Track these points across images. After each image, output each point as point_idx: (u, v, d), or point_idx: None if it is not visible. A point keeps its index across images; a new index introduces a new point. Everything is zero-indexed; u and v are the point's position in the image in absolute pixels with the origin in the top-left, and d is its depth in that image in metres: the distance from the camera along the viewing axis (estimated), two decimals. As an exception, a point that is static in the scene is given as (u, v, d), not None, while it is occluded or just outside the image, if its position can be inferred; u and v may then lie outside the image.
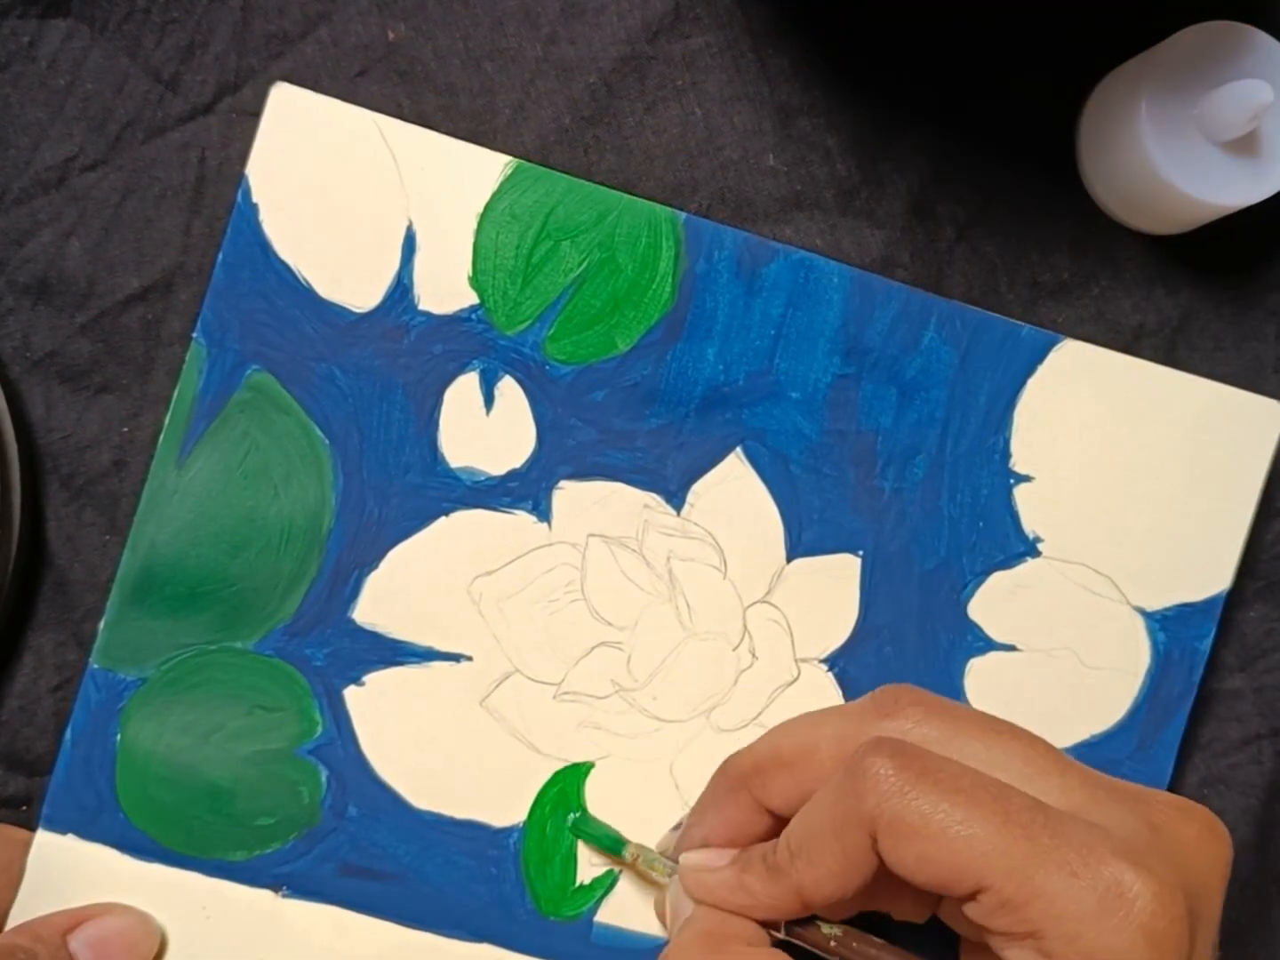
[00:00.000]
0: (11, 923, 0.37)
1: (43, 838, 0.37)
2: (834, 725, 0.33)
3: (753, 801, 0.34)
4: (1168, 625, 0.40)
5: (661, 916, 0.38)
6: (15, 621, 0.38)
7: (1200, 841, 0.31)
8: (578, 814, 0.39)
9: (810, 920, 0.33)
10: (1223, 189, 0.38)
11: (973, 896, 0.29)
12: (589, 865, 0.39)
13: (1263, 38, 0.38)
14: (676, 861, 0.36)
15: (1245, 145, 0.38)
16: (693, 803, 0.39)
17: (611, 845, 0.38)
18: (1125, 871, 0.28)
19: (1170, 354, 0.41)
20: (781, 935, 0.33)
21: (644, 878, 0.38)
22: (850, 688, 0.39)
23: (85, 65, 0.38)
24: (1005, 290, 0.41)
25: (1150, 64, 0.38)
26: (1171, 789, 0.40)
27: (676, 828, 0.37)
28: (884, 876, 0.31)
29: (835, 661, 0.39)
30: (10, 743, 0.38)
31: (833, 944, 0.32)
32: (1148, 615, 0.40)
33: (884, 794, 0.29)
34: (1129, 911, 0.27)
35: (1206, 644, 0.40)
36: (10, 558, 0.37)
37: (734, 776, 0.35)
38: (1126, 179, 0.39)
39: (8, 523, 0.37)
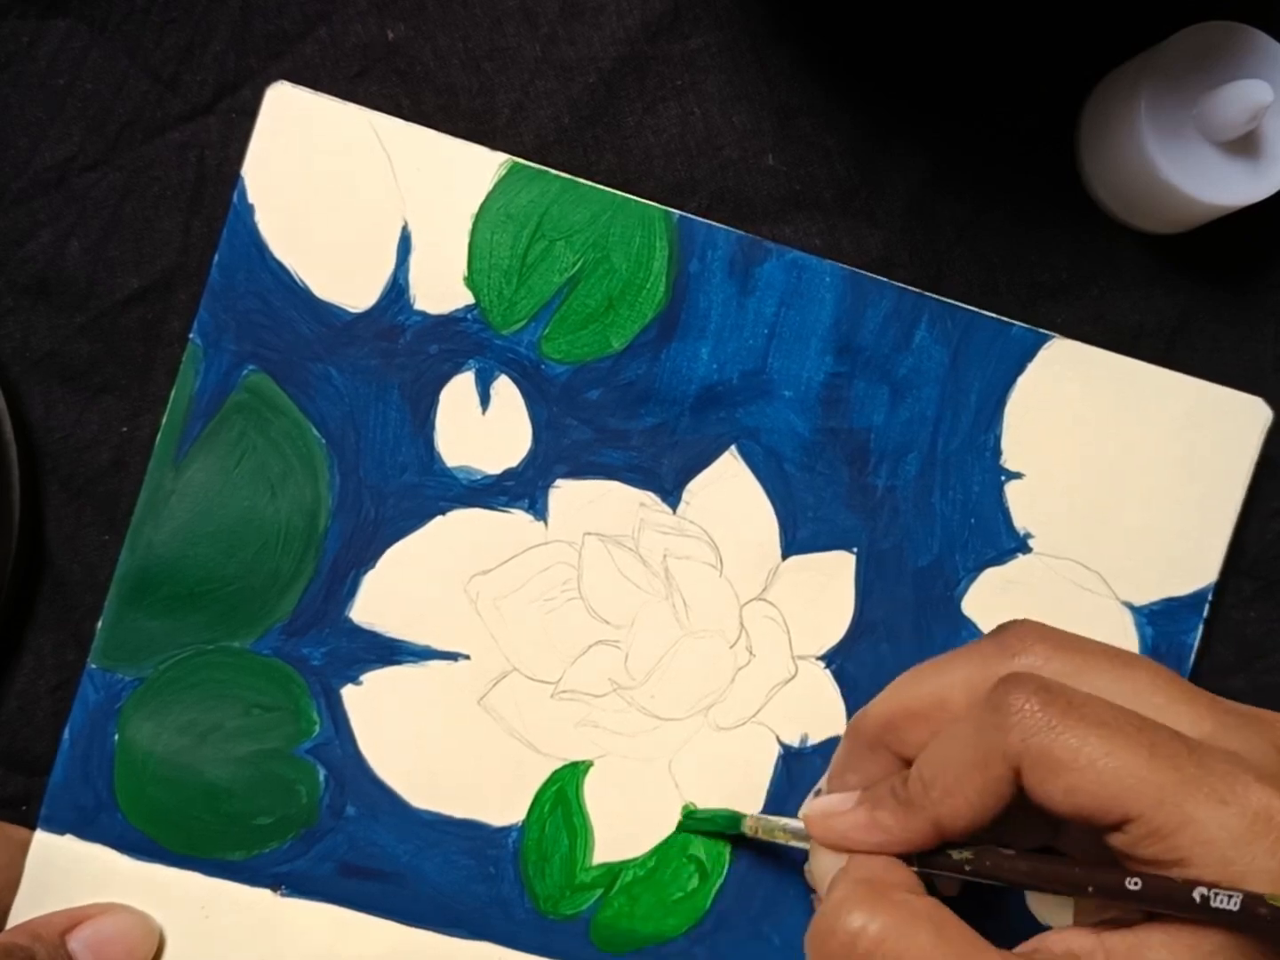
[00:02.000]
0: (11, 923, 0.37)
1: (41, 838, 0.37)
2: (962, 670, 0.33)
3: (891, 757, 0.34)
4: (1155, 620, 0.41)
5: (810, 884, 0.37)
6: (15, 621, 0.38)
7: None
8: (685, 812, 0.39)
9: (939, 851, 0.32)
10: (1222, 189, 0.38)
11: (1119, 826, 0.29)
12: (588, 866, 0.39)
13: (1262, 38, 0.38)
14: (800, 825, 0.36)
15: (1245, 145, 0.38)
16: (691, 799, 0.39)
17: (728, 824, 0.38)
18: (1272, 797, 0.28)
19: (1169, 354, 0.41)
20: (915, 869, 0.32)
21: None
22: (848, 685, 0.40)
23: (85, 65, 0.38)
24: (1004, 290, 0.41)
25: (1150, 64, 0.38)
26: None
27: (817, 793, 0.37)
28: (1014, 807, 0.31)
29: (832, 658, 0.40)
30: (10, 742, 0.38)
31: (967, 868, 0.32)
32: (1136, 610, 0.41)
33: (1030, 728, 0.29)
34: (1279, 835, 0.28)
35: (1194, 638, 0.41)
36: (10, 558, 0.37)
37: (869, 735, 0.34)
38: (1126, 179, 0.40)
39: (8, 523, 0.37)
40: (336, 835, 0.38)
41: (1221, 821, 0.28)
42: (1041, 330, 0.40)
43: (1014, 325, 0.40)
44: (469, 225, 0.39)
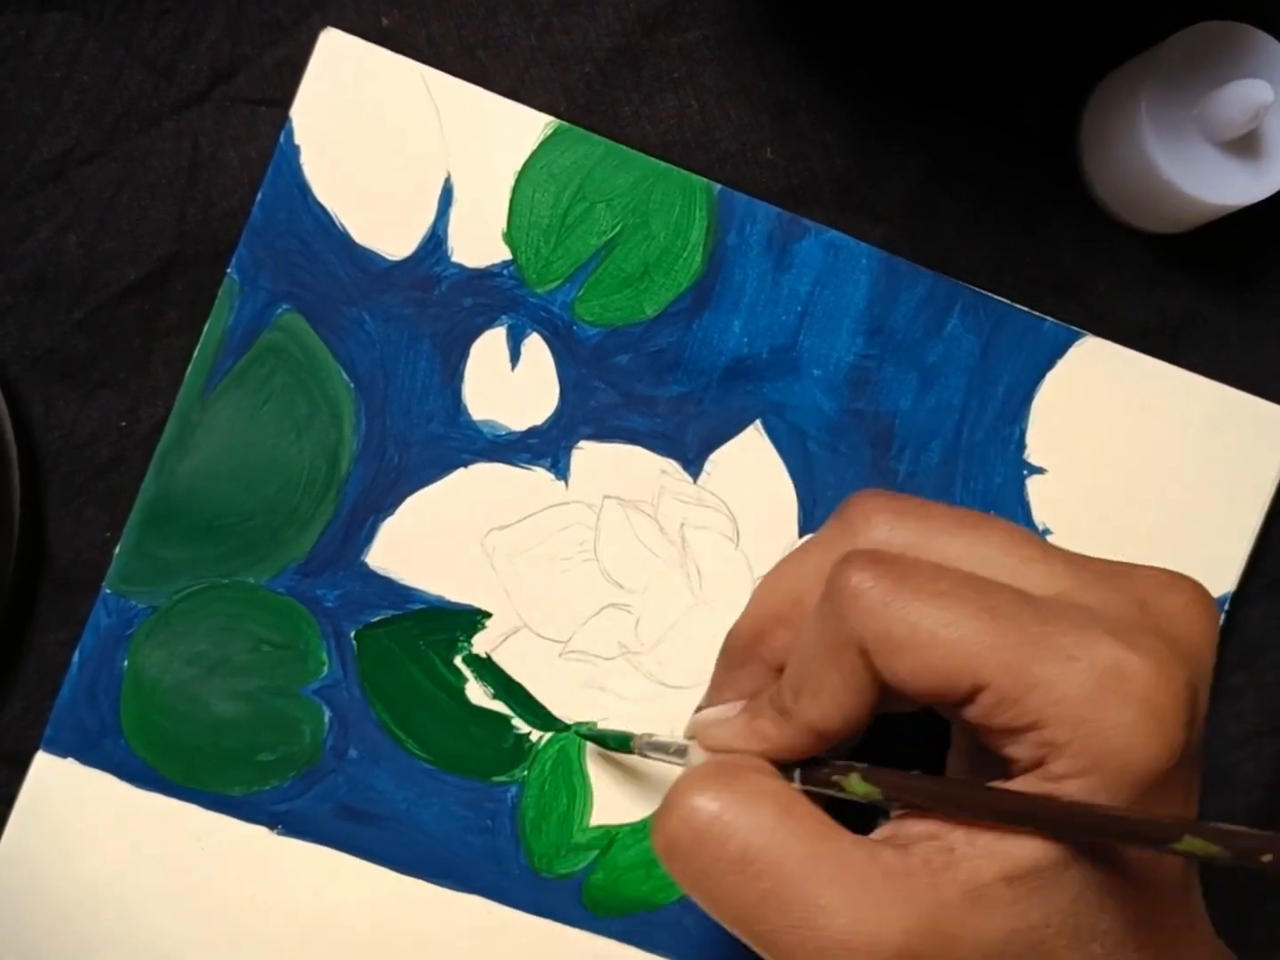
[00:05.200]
0: (4, 845, 0.37)
1: (42, 759, 0.37)
2: (813, 560, 0.31)
3: (765, 668, 0.32)
4: (1171, 625, 0.41)
5: None
6: (15, 621, 0.38)
7: (1189, 612, 0.30)
8: (577, 729, 0.39)
9: (821, 763, 0.31)
10: (1223, 188, 0.38)
11: (970, 699, 0.28)
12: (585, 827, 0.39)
13: (1263, 38, 0.38)
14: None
15: (1246, 145, 0.38)
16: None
17: (620, 743, 0.37)
18: (1121, 650, 0.27)
19: (1173, 353, 0.41)
20: (797, 785, 0.31)
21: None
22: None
23: (81, 57, 0.38)
24: (1006, 289, 0.41)
25: (1150, 64, 0.38)
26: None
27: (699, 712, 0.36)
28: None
29: (841, 637, 0.40)
30: (14, 743, 0.38)
31: (855, 790, 0.30)
32: (1151, 614, 0.41)
33: (865, 610, 0.28)
34: (1130, 689, 0.27)
35: (1208, 645, 0.41)
36: (10, 558, 0.37)
37: (739, 649, 0.33)
38: (1127, 178, 0.40)
39: (8, 523, 0.37)
40: (337, 777, 0.38)
41: (1070, 679, 0.27)
42: (1074, 328, 0.40)
43: (1046, 320, 0.40)
44: (511, 182, 0.39)
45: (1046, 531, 0.40)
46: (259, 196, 0.38)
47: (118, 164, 0.39)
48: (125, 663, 0.37)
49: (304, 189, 0.38)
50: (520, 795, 0.39)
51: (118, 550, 0.37)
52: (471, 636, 0.39)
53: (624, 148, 0.39)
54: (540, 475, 0.39)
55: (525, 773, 0.39)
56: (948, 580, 0.28)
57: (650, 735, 0.36)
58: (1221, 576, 0.41)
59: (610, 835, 0.39)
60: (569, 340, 0.39)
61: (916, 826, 0.29)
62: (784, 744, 0.30)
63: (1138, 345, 0.41)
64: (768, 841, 0.28)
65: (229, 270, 0.38)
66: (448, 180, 0.39)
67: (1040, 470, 0.40)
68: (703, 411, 0.39)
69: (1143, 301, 0.42)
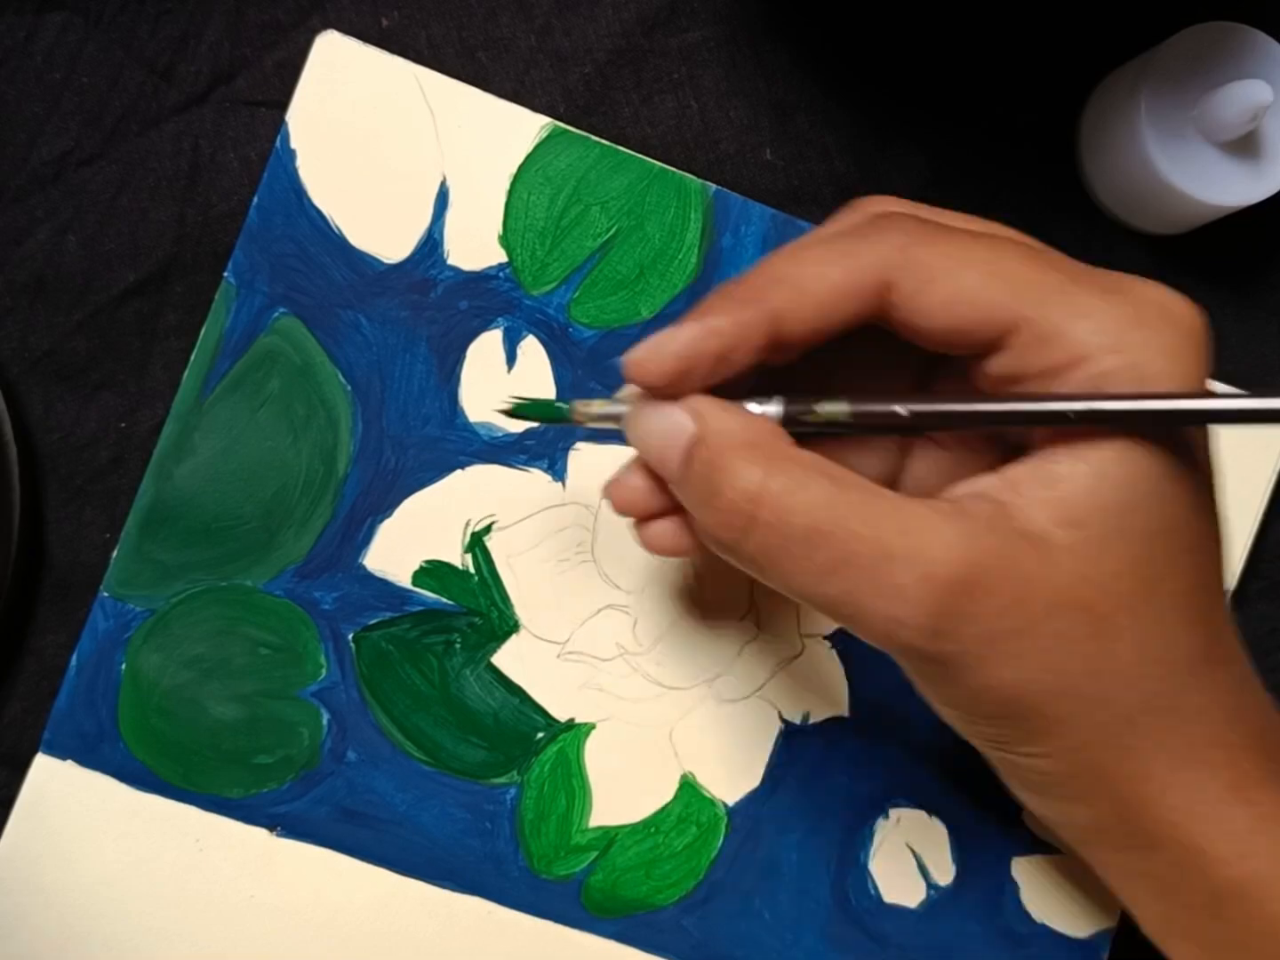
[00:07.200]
0: (4, 847, 0.37)
1: (41, 762, 0.37)
2: (834, 229, 0.30)
3: (763, 317, 0.29)
4: (1169, 624, 0.40)
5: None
6: (15, 623, 0.38)
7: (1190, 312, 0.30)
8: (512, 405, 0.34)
9: (806, 411, 0.30)
10: (1222, 189, 0.38)
11: (1001, 341, 0.28)
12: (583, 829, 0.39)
13: (1262, 38, 0.38)
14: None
15: (1245, 145, 0.38)
16: (690, 768, 0.39)
17: (554, 411, 0.33)
18: (1156, 288, 0.28)
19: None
20: (777, 413, 0.30)
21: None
22: (852, 664, 0.40)
23: (80, 58, 0.39)
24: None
25: (1150, 64, 0.38)
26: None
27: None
28: (866, 363, 0.30)
29: (838, 638, 0.40)
30: (13, 744, 0.38)
31: (836, 418, 0.29)
32: (1149, 613, 0.40)
33: (908, 238, 0.28)
34: (1173, 317, 0.27)
35: (1206, 644, 0.40)
36: (10, 560, 0.37)
37: (741, 288, 0.30)
38: (1126, 179, 0.40)
39: (8, 525, 0.37)
40: (336, 779, 0.38)
41: (1116, 308, 0.27)
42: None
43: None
44: (507, 185, 0.39)
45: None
46: (255, 200, 0.38)
47: (117, 166, 0.39)
48: (123, 666, 0.37)
49: (300, 192, 0.38)
50: (519, 797, 0.39)
51: (115, 554, 0.37)
52: (470, 638, 0.39)
53: (619, 150, 0.39)
54: (537, 476, 0.39)
55: (524, 774, 0.39)
56: (988, 232, 0.28)
57: (588, 403, 0.32)
58: (1219, 575, 0.40)
59: (609, 836, 0.39)
60: (565, 342, 0.39)
61: (959, 490, 0.29)
62: (734, 331, 0.29)
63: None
64: (833, 509, 0.28)
65: (225, 274, 0.38)
66: (443, 183, 0.39)
67: (1037, 470, 0.40)
68: (699, 413, 0.39)
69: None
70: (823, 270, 0.28)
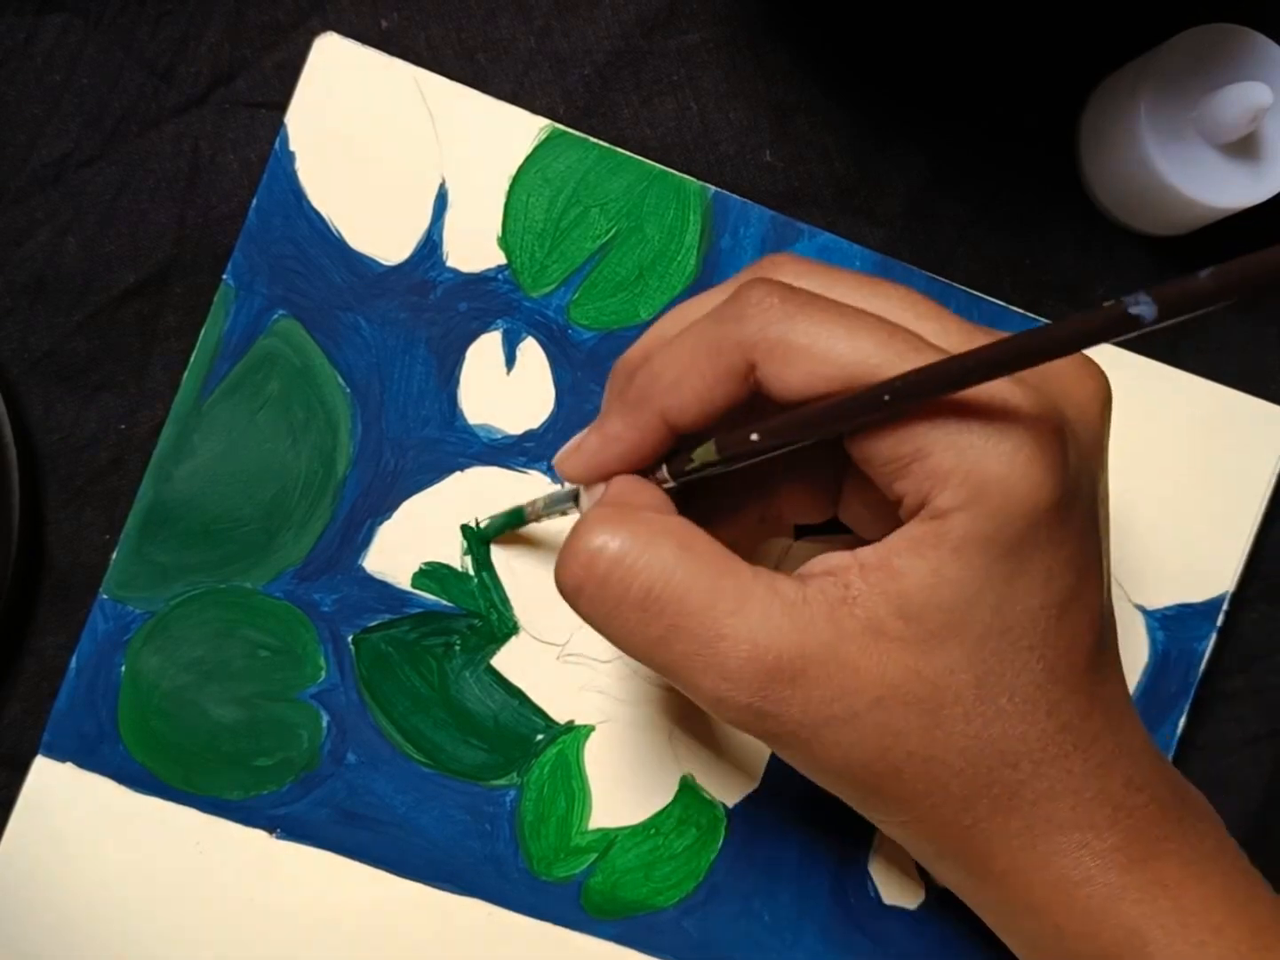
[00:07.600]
0: (3, 848, 0.37)
1: (41, 764, 0.37)
2: (716, 297, 0.31)
3: (654, 417, 0.31)
4: (1167, 624, 0.41)
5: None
6: (15, 624, 0.38)
7: (1077, 375, 0.31)
8: (468, 532, 0.39)
9: (680, 456, 0.31)
10: (1222, 191, 0.38)
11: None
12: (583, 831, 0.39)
13: (1262, 40, 0.38)
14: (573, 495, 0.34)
15: (1245, 147, 0.38)
16: (690, 770, 0.39)
17: (514, 517, 0.38)
18: (1004, 385, 0.27)
19: (1173, 355, 0.41)
20: (672, 483, 0.31)
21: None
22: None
23: (80, 59, 0.39)
24: (1007, 291, 0.41)
25: (1150, 66, 0.38)
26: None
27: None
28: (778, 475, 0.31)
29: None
30: (13, 745, 0.38)
31: (708, 458, 0.30)
32: (1148, 613, 0.41)
33: (769, 318, 0.28)
34: (1012, 419, 0.27)
35: (1205, 645, 0.41)
36: (10, 560, 0.37)
37: (625, 374, 0.32)
38: (1126, 181, 0.40)
39: (8, 525, 0.37)
40: (335, 781, 0.38)
41: (955, 407, 0.27)
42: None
43: (1038, 321, 0.40)
44: (506, 186, 0.39)
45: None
46: (254, 202, 0.38)
47: (117, 167, 0.39)
48: (123, 668, 0.37)
49: (299, 194, 0.38)
50: (519, 799, 0.39)
51: (114, 556, 0.37)
52: (469, 640, 0.39)
53: (618, 151, 0.39)
54: (537, 479, 0.39)
55: (524, 776, 0.39)
56: (850, 309, 0.29)
57: (535, 500, 0.37)
58: (1218, 579, 0.40)
59: (609, 838, 0.39)
60: (564, 344, 0.39)
61: (815, 566, 0.29)
62: (633, 435, 0.31)
63: (1137, 346, 0.41)
64: (669, 580, 0.28)
65: (224, 276, 0.38)
66: (442, 185, 0.39)
67: (1037, 471, 0.40)
68: (698, 414, 0.39)
69: (1142, 303, 0.42)
70: (694, 363, 0.29)
